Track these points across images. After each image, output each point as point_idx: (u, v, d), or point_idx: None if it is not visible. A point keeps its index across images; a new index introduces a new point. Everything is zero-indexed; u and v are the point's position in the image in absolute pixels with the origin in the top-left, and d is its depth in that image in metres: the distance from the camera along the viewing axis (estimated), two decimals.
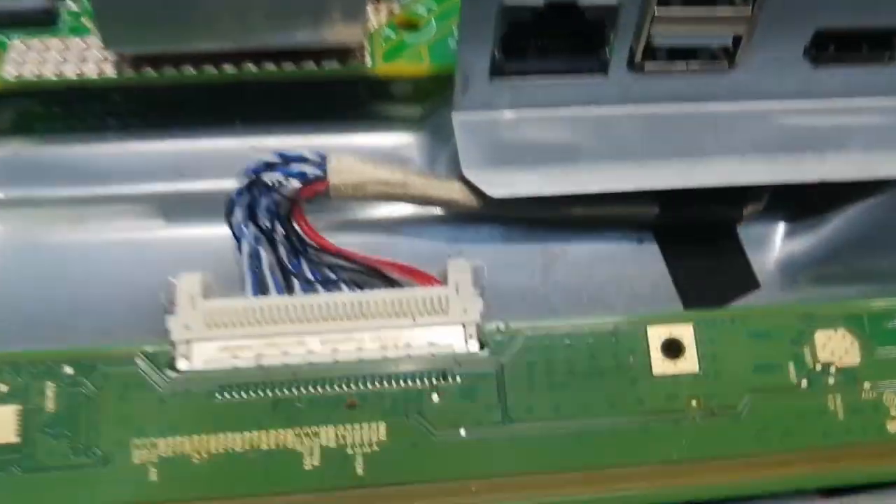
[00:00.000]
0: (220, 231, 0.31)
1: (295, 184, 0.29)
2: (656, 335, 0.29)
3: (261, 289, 0.29)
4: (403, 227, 0.32)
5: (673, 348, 0.29)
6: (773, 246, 0.33)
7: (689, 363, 0.29)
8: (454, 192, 0.29)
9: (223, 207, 0.30)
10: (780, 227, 0.34)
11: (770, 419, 0.29)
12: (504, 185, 0.29)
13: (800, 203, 0.33)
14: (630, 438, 0.28)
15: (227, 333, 0.29)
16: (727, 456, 0.28)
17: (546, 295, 0.31)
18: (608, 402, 0.28)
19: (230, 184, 0.31)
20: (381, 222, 0.32)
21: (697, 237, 0.32)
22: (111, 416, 0.28)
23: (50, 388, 0.28)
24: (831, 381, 0.29)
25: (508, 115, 0.30)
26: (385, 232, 0.32)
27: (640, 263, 0.32)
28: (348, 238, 0.30)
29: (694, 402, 0.29)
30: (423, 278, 0.29)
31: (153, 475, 0.27)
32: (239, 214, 0.29)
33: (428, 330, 0.29)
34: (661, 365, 0.29)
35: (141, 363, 0.28)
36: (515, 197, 0.29)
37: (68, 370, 0.28)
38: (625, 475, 0.28)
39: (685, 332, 0.29)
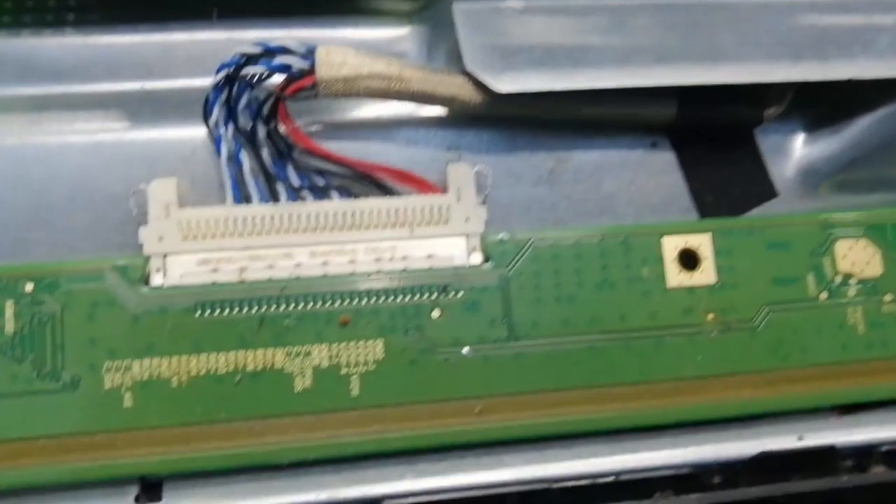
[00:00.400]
0: (194, 133, 0.28)
1: (279, 78, 0.26)
2: (671, 245, 0.27)
3: (242, 197, 0.26)
4: (398, 130, 0.29)
5: (690, 259, 0.27)
6: (793, 153, 0.31)
7: (705, 275, 0.27)
8: (456, 87, 0.27)
9: (198, 107, 0.27)
10: (800, 133, 0.32)
11: (788, 333, 0.27)
12: (511, 79, 0.26)
13: (821, 107, 0.31)
14: (642, 354, 0.27)
15: (207, 245, 0.26)
16: (743, 372, 0.27)
17: (553, 204, 0.29)
18: (619, 317, 0.27)
19: (205, 81, 0.27)
20: (373, 123, 0.29)
21: (714, 143, 0.30)
22: (78, 337, 0.25)
23: (8, 307, 0.25)
24: (852, 293, 0.28)
25: (514, 3, 0.27)
26: (378, 135, 0.29)
27: (653, 170, 0.29)
28: (337, 142, 0.27)
29: (710, 316, 0.27)
30: (421, 185, 0.27)
31: (128, 400, 0.25)
32: (216, 114, 0.26)
33: (427, 242, 0.27)
34: (676, 277, 0.27)
35: (110, 278, 0.25)
36: (523, 92, 0.27)
37: (28, 287, 0.25)
38: (636, 393, 0.26)
39: (702, 243, 0.27)
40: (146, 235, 0.26)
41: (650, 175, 0.29)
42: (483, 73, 0.26)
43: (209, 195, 0.27)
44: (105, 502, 0.25)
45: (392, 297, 0.26)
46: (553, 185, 0.29)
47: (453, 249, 0.26)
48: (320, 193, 0.27)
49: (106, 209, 0.27)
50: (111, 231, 0.27)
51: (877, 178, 0.30)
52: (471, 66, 0.27)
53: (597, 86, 0.26)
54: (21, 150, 0.28)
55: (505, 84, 0.26)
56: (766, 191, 0.30)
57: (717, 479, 0.27)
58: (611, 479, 0.26)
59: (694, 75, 0.27)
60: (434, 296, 0.26)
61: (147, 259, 0.26)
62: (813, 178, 0.31)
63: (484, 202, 0.27)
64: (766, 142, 0.31)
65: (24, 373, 0.25)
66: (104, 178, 0.27)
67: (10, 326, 0.25)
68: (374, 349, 0.26)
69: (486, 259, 0.27)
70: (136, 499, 0.25)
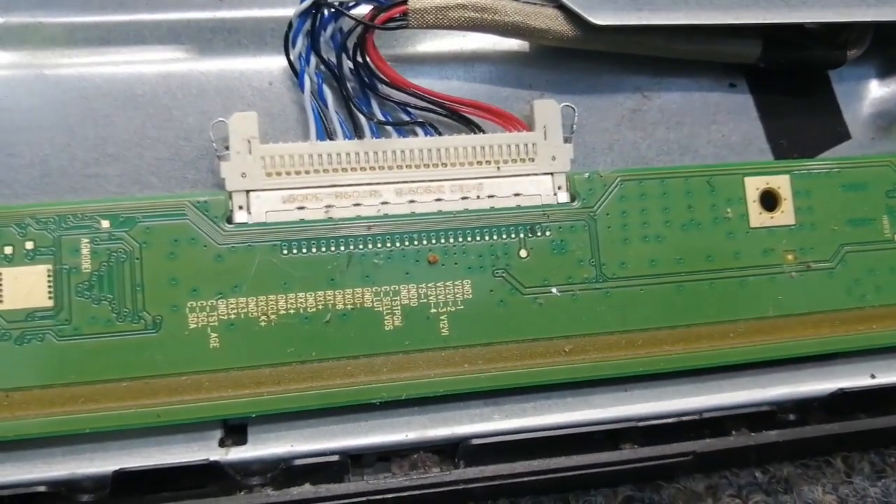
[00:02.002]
0: (271, 64, 0.27)
1: (367, 7, 0.25)
2: (753, 186, 0.27)
3: (326, 132, 0.25)
4: (479, 65, 0.28)
5: (770, 200, 0.27)
6: (866, 95, 0.31)
7: (785, 216, 0.27)
8: (550, 19, 0.26)
9: (274, 37, 0.26)
10: (874, 76, 0.32)
11: (863, 273, 0.28)
12: (607, 13, 0.26)
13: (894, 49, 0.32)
14: (726, 294, 0.27)
15: (291, 182, 0.25)
16: (820, 311, 0.27)
17: (635, 143, 0.28)
18: (705, 256, 0.27)
19: (279, 11, 0.26)
20: (454, 57, 0.28)
21: (791, 85, 0.30)
22: (159, 277, 0.24)
23: (84, 245, 0.24)
24: None
25: None
26: (463, 69, 0.28)
27: (731, 110, 0.29)
28: (415, 78, 0.27)
29: (790, 256, 0.27)
30: (508, 121, 0.26)
31: (214, 341, 0.24)
32: (300, 45, 0.25)
33: (513, 180, 0.26)
34: (758, 217, 0.27)
35: (192, 215, 0.24)
36: (618, 25, 0.26)
37: (104, 224, 0.24)
38: (720, 332, 0.26)
39: (782, 184, 0.27)
40: (228, 171, 0.25)
41: (728, 116, 0.29)
42: (579, 6, 0.26)
43: (287, 131, 0.26)
44: (188, 446, 0.24)
45: (479, 237, 0.25)
46: (635, 125, 0.28)
47: (540, 188, 0.26)
48: (405, 129, 0.26)
49: (178, 144, 0.26)
50: (184, 166, 0.26)
51: None
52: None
53: (690, 22, 0.26)
54: (88, 81, 0.26)
55: (601, 18, 0.26)
56: (840, 133, 0.30)
57: (791, 417, 0.28)
58: (695, 417, 0.27)
59: (781, 15, 0.27)
60: (521, 235, 0.26)
61: (229, 195, 0.25)
62: (886, 120, 0.31)
63: (570, 140, 0.26)
64: (840, 85, 0.31)
65: (104, 314, 0.24)
66: (176, 112, 0.26)
67: (86, 265, 0.24)
68: (463, 289, 0.25)
69: (573, 198, 0.26)
70: (221, 442, 0.25)
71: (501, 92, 0.28)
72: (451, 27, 0.25)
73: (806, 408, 0.27)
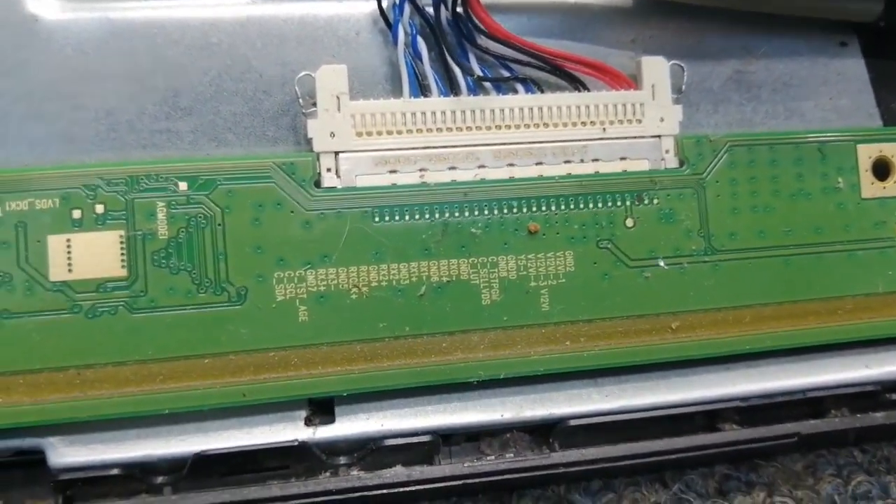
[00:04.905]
0: (359, 11, 0.25)
1: None
2: (866, 155, 0.26)
3: (421, 89, 0.23)
4: (588, 17, 0.26)
5: (883, 169, 0.26)
6: None
7: None
8: None
9: None
10: None
11: None
12: None
13: None
14: (834, 268, 0.25)
15: (383, 143, 0.23)
16: None
17: (740, 104, 0.26)
18: (814, 228, 0.25)
19: None
20: (560, 7, 0.26)
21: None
22: (243, 244, 0.22)
23: (160, 209, 0.22)
24: None
25: None
26: (565, 21, 0.26)
27: (840, 72, 0.27)
28: (520, 31, 0.24)
29: None
30: (615, 78, 0.24)
31: (303, 314, 0.22)
32: None
33: (620, 143, 0.24)
34: (870, 188, 0.26)
35: (277, 177, 0.22)
36: None
37: (181, 186, 0.22)
38: (826, 309, 0.25)
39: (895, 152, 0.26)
40: (315, 130, 0.22)
41: (838, 78, 0.27)
42: None
43: (375, 86, 0.24)
44: (272, 426, 0.23)
45: (583, 204, 0.24)
46: (740, 85, 0.27)
47: (648, 151, 0.24)
48: (504, 87, 0.24)
49: (257, 97, 0.24)
50: (265, 122, 0.23)
51: None
52: None
53: None
54: (159, 27, 0.24)
55: None
56: None
57: (894, 397, 0.26)
58: (799, 396, 0.25)
59: None
60: (628, 203, 0.24)
61: (317, 157, 0.23)
62: None
63: (679, 101, 0.24)
64: None
65: (183, 285, 0.22)
66: (254, 62, 0.24)
67: (163, 231, 0.22)
68: (565, 261, 0.24)
69: (682, 163, 0.24)
70: (307, 421, 0.23)
71: (602, 49, 0.26)
72: None
73: None
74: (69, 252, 0.21)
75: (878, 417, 0.25)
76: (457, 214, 0.23)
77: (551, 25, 0.26)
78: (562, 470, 0.24)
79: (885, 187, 0.26)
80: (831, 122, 0.27)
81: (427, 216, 0.23)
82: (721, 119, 0.26)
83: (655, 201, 0.24)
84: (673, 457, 0.24)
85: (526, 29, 0.25)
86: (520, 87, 0.24)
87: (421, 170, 0.23)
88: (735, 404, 0.25)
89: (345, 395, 0.23)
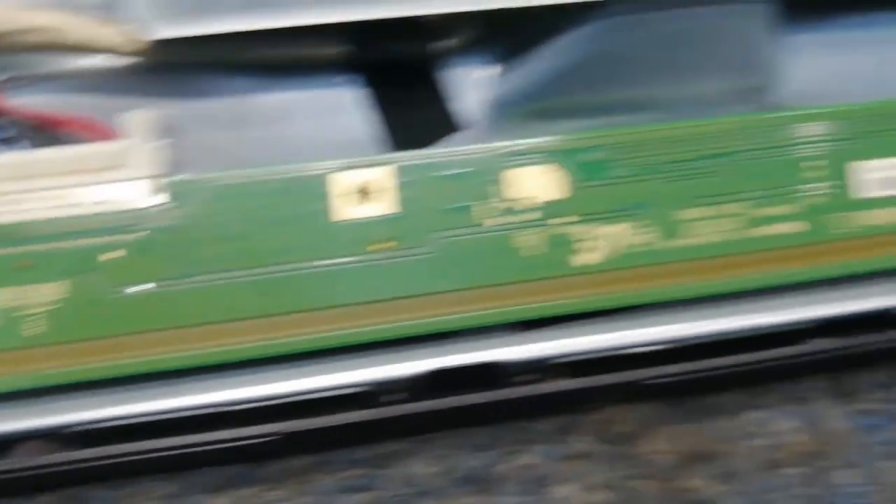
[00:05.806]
0: None
1: None
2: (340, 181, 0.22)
3: None
4: (90, 81, 0.26)
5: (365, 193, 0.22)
6: (478, 85, 0.27)
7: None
8: (113, 36, 0.24)
9: None
10: (485, 66, 0.27)
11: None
12: (166, 25, 0.23)
13: (507, 39, 0.27)
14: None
15: None
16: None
17: (235, 151, 0.25)
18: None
19: None
20: (73, 74, 0.26)
21: (396, 79, 0.27)
22: None
23: None
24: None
25: None
26: (74, 87, 0.25)
27: (343, 111, 0.26)
28: (36, 95, 0.25)
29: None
30: (103, 134, 0.23)
31: None
32: None
33: (105, 187, 0.22)
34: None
35: None
36: (177, 37, 0.24)
37: None
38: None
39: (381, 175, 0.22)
40: None
41: (338, 113, 0.26)
42: (133, 20, 0.24)
43: None
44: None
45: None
46: (240, 129, 0.26)
47: (131, 193, 0.22)
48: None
49: None
50: None
51: (565, 106, 0.26)
52: (122, 12, 0.24)
53: (258, 27, 0.24)
54: None
55: (159, 30, 0.23)
56: (451, 125, 0.26)
57: None
58: None
59: (362, 11, 0.24)
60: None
61: None
62: (501, 110, 0.26)
63: (163, 147, 0.23)
64: (451, 76, 0.27)
65: None
66: None
67: None
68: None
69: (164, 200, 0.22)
70: None
71: (114, 104, 0.24)
72: (22, 50, 0.24)
73: None
74: None
75: None
76: None
77: (73, 89, 0.25)
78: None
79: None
80: (335, 154, 0.23)
81: None
82: (220, 160, 0.24)
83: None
84: None
85: (50, 92, 0.25)
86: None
87: None
88: None
89: None
